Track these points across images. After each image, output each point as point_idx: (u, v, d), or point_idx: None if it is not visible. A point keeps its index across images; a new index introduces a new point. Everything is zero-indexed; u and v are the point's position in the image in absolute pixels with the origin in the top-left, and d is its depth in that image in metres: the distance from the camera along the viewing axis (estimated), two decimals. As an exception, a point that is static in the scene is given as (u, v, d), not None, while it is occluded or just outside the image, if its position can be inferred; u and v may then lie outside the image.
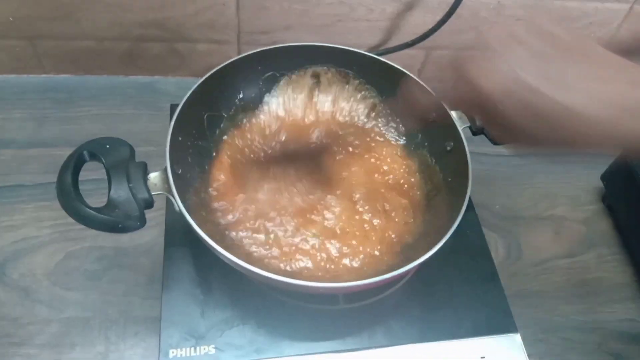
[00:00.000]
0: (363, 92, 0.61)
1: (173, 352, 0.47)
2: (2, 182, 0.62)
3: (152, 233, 0.59)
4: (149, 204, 0.45)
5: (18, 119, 0.68)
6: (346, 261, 0.50)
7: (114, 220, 0.42)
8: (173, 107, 0.51)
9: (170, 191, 0.46)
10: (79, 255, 0.57)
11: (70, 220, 0.59)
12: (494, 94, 0.32)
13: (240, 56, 0.56)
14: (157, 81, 0.73)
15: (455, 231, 0.45)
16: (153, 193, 0.46)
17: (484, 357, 0.49)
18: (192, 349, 0.47)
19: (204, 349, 0.47)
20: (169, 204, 0.56)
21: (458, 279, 0.54)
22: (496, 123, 0.33)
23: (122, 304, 0.55)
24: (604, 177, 0.69)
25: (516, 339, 0.51)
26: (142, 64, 0.71)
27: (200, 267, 0.52)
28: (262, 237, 0.50)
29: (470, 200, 0.58)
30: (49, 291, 0.55)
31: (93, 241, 0.58)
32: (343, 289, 0.45)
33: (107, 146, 0.46)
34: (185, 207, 0.45)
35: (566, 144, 0.32)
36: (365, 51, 0.59)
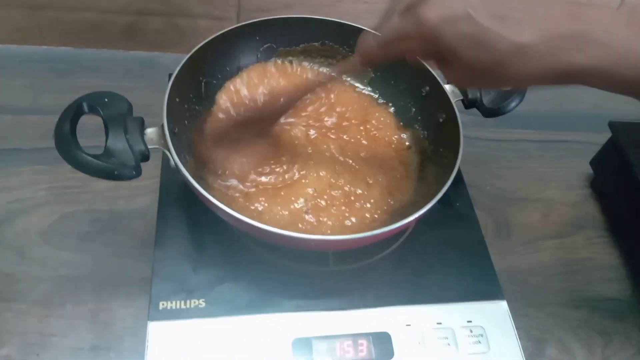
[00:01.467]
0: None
1: (163, 304, 0.47)
2: (0, 146, 0.62)
3: (147, 199, 0.59)
4: (145, 156, 0.46)
5: (18, 86, 0.68)
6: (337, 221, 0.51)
7: (110, 167, 0.43)
8: (171, 77, 0.52)
9: (166, 146, 0.47)
10: (74, 217, 0.58)
11: (66, 183, 0.60)
12: (438, 27, 0.34)
13: (238, 24, 0.57)
14: (157, 56, 0.74)
15: (445, 202, 0.47)
16: (149, 147, 0.46)
17: (470, 321, 0.50)
18: (183, 302, 0.48)
19: (194, 302, 0.48)
20: (165, 166, 0.57)
21: (447, 247, 0.55)
22: (442, 59, 0.36)
23: (115, 265, 0.55)
24: (593, 163, 0.70)
25: (502, 305, 0.52)
26: (142, 38, 0.72)
27: (193, 226, 0.53)
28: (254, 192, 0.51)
29: (460, 173, 0.59)
30: (42, 250, 0.55)
31: (88, 204, 0.59)
32: (331, 242, 0.45)
33: (106, 100, 0.47)
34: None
35: (510, 77, 0.35)
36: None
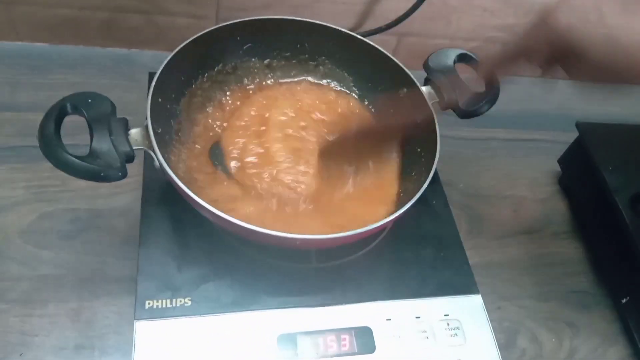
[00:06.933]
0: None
1: (149, 303, 0.48)
2: (-26, 144, 0.61)
3: (127, 198, 0.59)
4: (130, 157, 0.46)
5: (-8, 83, 0.67)
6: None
7: (96, 169, 0.43)
8: (151, 76, 0.52)
9: (150, 147, 0.47)
10: (53, 216, 0.57)
11: (44, 182, 0.60)
12: (568, 32, 0.35)
13: (219, 25, 0.57)
14: (134, 54, 0.74)
15: (422, 200, 0.48)
16: (134, 147, 0.47)
17: (447, 315, 0.52)
18: (169, 300, 0.48)
19: (180, 300, 0.48)
20: (147, 165, 0.57)
21: (424, 243, 0.57)
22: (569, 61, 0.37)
23: (96, 263, 0.55)
24: (560, 161, 0.73)
25: (477, 299, 0.54)
26: (119, 35, 0.72)
27: (177, 225, 0.53)
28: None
29: (436, 172, 0.61)
30: (21, 249, 0.55)
31: (67, 203, 0.58)
32: (314, 240, 0.47)
33: (89, 100, 0.47)
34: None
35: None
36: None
